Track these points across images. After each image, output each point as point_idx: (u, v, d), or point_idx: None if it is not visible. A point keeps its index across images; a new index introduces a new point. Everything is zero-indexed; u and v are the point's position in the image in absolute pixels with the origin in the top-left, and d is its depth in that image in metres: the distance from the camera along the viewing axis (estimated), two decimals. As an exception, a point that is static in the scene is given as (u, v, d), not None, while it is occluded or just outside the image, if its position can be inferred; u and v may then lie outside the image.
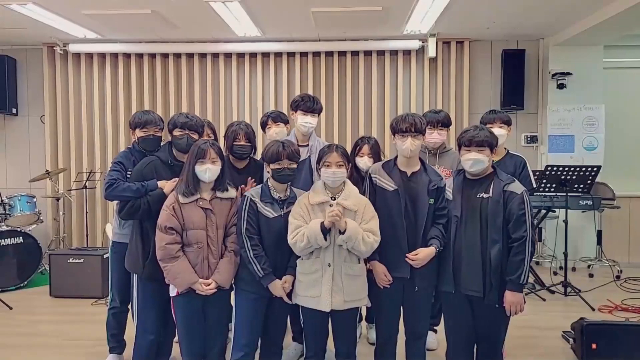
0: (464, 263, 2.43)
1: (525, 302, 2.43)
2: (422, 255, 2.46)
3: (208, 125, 3.23)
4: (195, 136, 2.66)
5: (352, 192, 2.51)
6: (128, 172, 2.73)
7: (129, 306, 2.99)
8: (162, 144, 2.79)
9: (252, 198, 2.50)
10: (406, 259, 2.47)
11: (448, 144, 3.26)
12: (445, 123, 3.15)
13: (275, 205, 2.51)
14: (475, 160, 2.42)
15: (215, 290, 2.45)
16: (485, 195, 2.42)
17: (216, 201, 2.52)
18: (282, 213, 2.50)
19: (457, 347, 2.57)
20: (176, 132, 2.64)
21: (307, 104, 2.94)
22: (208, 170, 2.44)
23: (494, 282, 2.38)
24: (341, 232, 2.37)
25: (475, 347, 2.59)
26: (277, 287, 2.47)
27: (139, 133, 2.82)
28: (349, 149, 2.74)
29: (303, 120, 2.96)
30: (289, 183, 2.58)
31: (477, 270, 2.40)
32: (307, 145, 3.00)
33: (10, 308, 4.21)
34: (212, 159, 2.45)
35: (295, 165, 2.52)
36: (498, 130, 3.02)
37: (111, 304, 2.99)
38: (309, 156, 2.96)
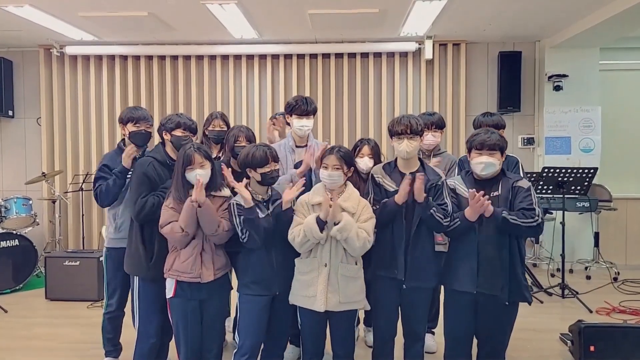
0: (485, 262, 2.42)
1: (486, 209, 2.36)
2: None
3: (222, 117, 3.29)
4: (194, 138, 2.71)
5: (352, 194, 2.52)
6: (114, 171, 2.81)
7: (125, 310, 2.99)
8: (154, 147, 2.78)
9: (238, 202, 2.48)
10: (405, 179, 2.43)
11: (444, 146, 3.27)
12: (439, 125, 3.17)
13: (261, 206, 2.50)
14: (487, 164, 2.43)
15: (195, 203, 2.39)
16: (496, 194, 2.45)
17: (209, 197, 2.50)
18: (269, 212, 2.50)
19: (456, 349, 2.57)
20: (179, 133, 2.66)
21: (302, 107, 2.93)
22: (198, 176, 2.43)
23: (503, 280, 2.39)
24: (336, 224, 2.37)
25: (477, 349, 2.60)
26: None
27: (130, 127, 2.85)
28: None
29: (299, 124, 2.95)
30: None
31: (496, 270, 2.40)
32: (306, 145, 3.00)
33: (6, 311, 4.18)
34: (200, 164, 2.44)
35: (278, 166, 2.54)
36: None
37: (107, 309, 2.96)
38: (307, 157, 2.95)
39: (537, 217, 2.37)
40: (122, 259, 2.75)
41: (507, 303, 2.43)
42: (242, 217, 2.40)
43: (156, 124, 3.03)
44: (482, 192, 2.34)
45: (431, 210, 2.42)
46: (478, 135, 2.49)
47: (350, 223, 2.38)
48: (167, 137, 2.70)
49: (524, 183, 2.47)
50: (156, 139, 2.94)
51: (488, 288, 2.42)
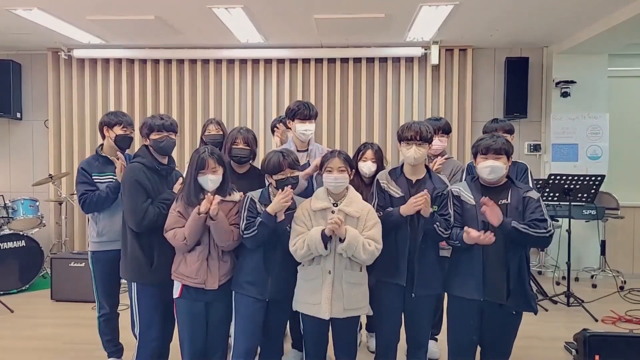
0: (490, 270, 2.41)
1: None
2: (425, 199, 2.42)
3: (217, 122, 3.32)
4: (173, 136, 2.69)
5: (354, 198, 2.50)
6: (93, 177, 2.86)
7: (119, 311, 3.02)
8: (138, 150, 2.76)
9: (253, 198, 2.52)
10: (413, 198, 2.43)
11: (450, 151, 3.27)
12: (445, 130, 3.18)
13: None
14: (494, 168, 2.42)
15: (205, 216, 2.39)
16: (505, 202, 2.44)
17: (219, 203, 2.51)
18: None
19: (460, 356, 2.55)
20: (155, 136, 2.63)
21: (304, 112, 2.95)
22: (210, 181, 2.45)
23: (512, 289, 2.38)
24: (341, 240, 2.36)
25: (480, 357, 2.58)
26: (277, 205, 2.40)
27: (118, 130, 2.89)
28: (351, 156, 2.74)
29: (302, 128, 2.96)
30: None
31: (503, 277, 2.40)
32: (307, 150, 3.01)
33: (12, 311, 4.22)
34: (212, 169, 2.45)
35: (297, 173, 2.52)
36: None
37: (100, 312, 2.97)
38: (309, 161, 2.96)
39: (549, 228, 2.36)
40: (108, 262, 2.81)
41: (514, 312, 2.42)
42: (259, 219, 2.40)
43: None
44: (484, 235, 2.31)
45: (434, 225, 2.43)
46: (483, 139, 2.49)
47: (355, 238, 2.35)
48: (147, 142, 2.66)
49: (534, 194, 2.46)
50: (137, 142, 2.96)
51: (494, 296, 2.40)
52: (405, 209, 2.44)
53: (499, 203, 2.42)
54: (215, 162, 2.45)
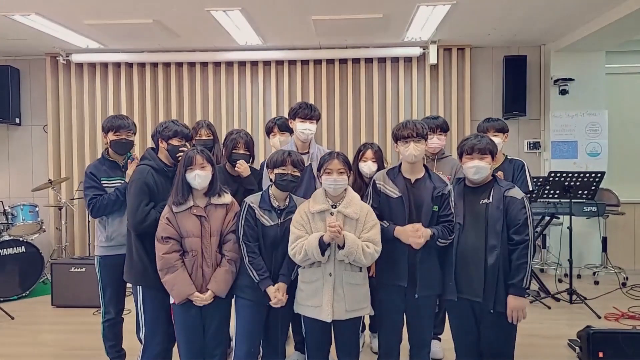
0: (467, 269, 2.41)
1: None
2: (423, 232, 2.39)
3: (207, 126, 3.27)
4: (189, 146, 2.72)
5: (353, 199, 2.49)
6: (102, 182, 2.84)
7: (123, 316, 3.01)
8: (144, 152, 2.76)
9: (251, 204, 2.50)
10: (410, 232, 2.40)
11: (449, 150, 3.26)
12: (443, 128, 3.18)
13: (273, 213, 2.50)
14: (478, 168, 2.43)
15: (212, 299, 2.45)
16: (487, 201, 2.43)
17: (210, 208, 2.51)
18: (280, 222, 2.49)
19: (465, 354, 2.54)
20: (176, 142, 2.66)
21: (305, 111, 2.95)
22: (197, 177, 2.44)
23: (492, 287, 2.38)
24: (340, 247, 2.35)
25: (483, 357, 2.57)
26: (272, 293, 2.45)
27: (111, 136, 2.88)
28: (350, 157, 2.74)
29: (302, 127, 2.96)
30: (289, 192, 2.57)
31: (480, 276, 2.39)
32: (308, 152, 3.01)
33: (12, 318, 4.20)
34: (201, 165, 2.45)
35: (298, 174, 2.51)
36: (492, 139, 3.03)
37: (105, 317, 2.95)
38: (310, 163, 2.95)
39: (527, 236, 2.35)
40: (116, 267, 2.78)
41: (492, 311, 2.40)
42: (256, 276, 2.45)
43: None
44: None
45: (436, 243, 2.43)
46: (468, 139, 2.52)
47: (354, 243, 2.34)
48: (162, 144, 2.68)
49: (517, 193, 2.43)
50: (139, 145, 2.93)
51: (471, 294, 2.40)
52: (400, 235, 2.43)
53: (480, 203, 2.44)
54: (203, 159, 2.46)
